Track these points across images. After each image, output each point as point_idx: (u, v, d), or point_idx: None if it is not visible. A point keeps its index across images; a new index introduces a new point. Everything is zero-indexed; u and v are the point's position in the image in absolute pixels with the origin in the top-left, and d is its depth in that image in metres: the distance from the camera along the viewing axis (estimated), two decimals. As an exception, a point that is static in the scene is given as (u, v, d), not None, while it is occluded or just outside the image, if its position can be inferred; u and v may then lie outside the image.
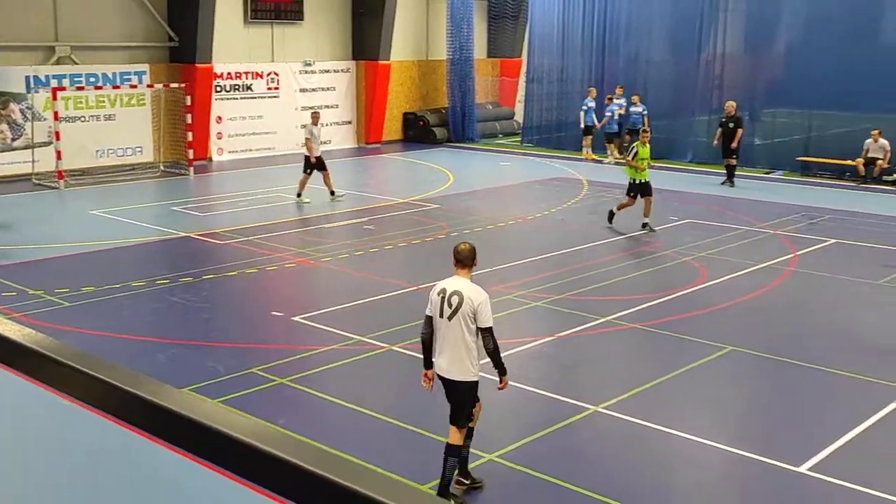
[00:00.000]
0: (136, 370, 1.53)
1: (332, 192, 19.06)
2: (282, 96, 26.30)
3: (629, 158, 16.52)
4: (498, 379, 6.93)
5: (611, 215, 16.67)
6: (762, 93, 24.86)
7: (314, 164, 18.67)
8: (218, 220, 17.35)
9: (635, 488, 7.17)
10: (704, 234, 16.28)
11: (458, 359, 6.72)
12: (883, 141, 21.73)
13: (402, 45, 28.81)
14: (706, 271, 13.65)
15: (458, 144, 28.76)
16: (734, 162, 21.54)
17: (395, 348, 10.12)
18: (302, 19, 26.38)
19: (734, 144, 21.52)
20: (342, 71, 27.86)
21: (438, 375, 6.87)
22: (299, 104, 26.82)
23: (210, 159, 24.56)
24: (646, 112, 25.43)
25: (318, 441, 7.67)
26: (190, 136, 22.58)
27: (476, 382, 6.84)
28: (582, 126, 25.83)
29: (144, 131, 22.73)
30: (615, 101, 25.39)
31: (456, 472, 6.91)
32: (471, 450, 7.13)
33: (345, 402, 8.67)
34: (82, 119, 21.94)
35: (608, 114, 25.20)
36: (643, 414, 8.42)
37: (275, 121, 26.16)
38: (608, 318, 11.32)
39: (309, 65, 26.85)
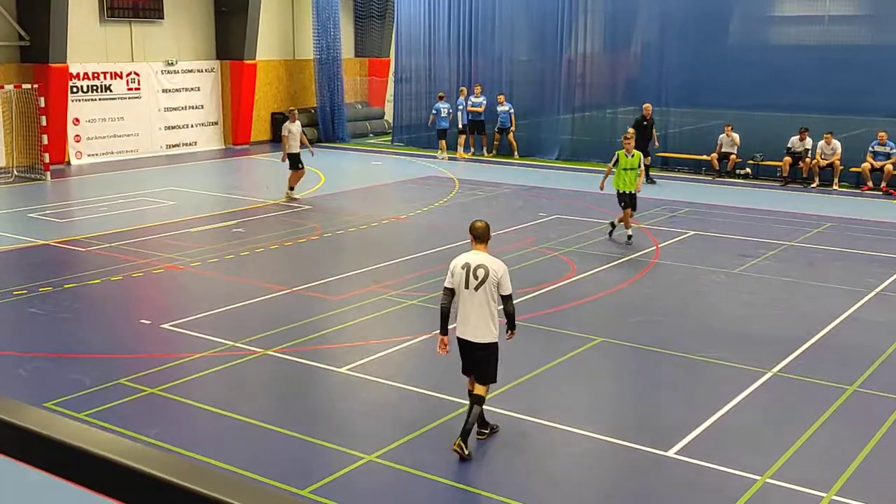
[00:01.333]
0: (-10, 389, 1.45)
1: (291, 189, 19.24)
2: (143, 97, 25.46)
3: (609, 166, 15.59)
4: (508, 333, 7.78)
5: (611, 229, 15.81)
6: (622, 91, 25.75)
7: (293, 159, 18.96)
8: (78, 226, 16.65)
9: (512, 480, 7.30)
10: (572, 228, 16.72)
11: (484, 324, 7.54)
12: (735, 135, 22.85)
13: (267, 45, 28.37)
14: (575, 265, 14.02)
15: (328, 144, 28.55)
16: (648, 161, 21.82)
17: (269, 352, 9.97)
18: (162, 17, 25.60)
19: (657, 144, 22.43)
20: (206, 70, 27.19)
21: (464, 340, 7.62)
22: (162, 105, 26.04)
23: (68, 163, 23.54)
24: (512, 111, 26.01)
25: (192, 451, 7.47)
26: (45, 139, 21.57)
27: (498, 342, 7.65)
28: (459, 125, 26.29)
29: (-5, 135, 21.54)
30: (473, 99, 26.04)
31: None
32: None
33: (219, 409, 8.47)
34: (-75, 122, 20.65)
35: (434, 112, 26.17)
36: (519, 407, 8.57)
37: (136, 123, 25.31)
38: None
39: (171, 64, 26.08)
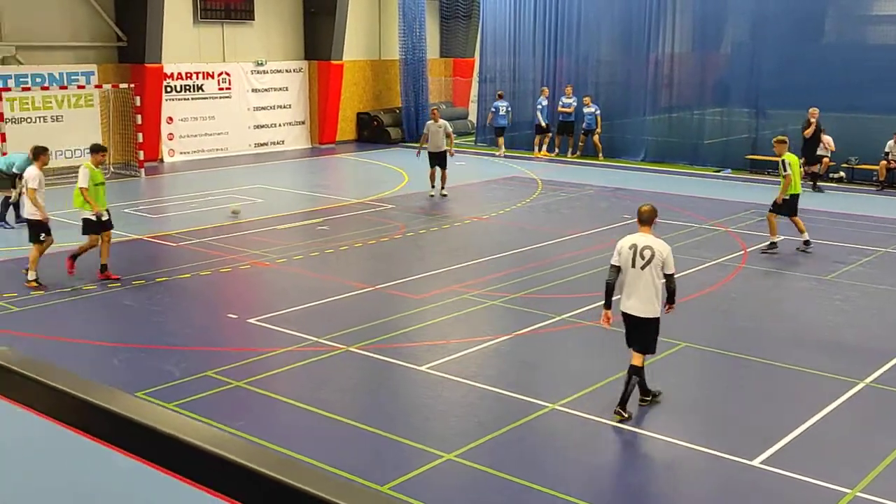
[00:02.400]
0: (88, 376, 1.50)
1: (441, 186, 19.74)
2: (234, 97, 26.06)
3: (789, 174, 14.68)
4: (667, 307, 8.39)
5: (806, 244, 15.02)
6: (710, 92, 25.24)
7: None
8: (170, 222, 17.13)
9: (593, 485, 7.23)
10: (659, 231, 16.43)
11: (648, 300, 8.16)
12: (828, 138, 22.09)
13: (354, 45, 28.72)
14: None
15: (412, 144, 28.71)
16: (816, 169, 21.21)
17: (352, 349, 10.08)
18: (253, 19, 26.17)
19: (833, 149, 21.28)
20: (294, 71, 27.68)
21: (628, 315, 8.26)
22: (252, 105, 26.60)
23: (161, 160, 24.24)
24: (598, 112, 25.79)
25: (276, 444, 7.61)
26: (140, 137, 22.27)
27: (659, 317, 8.27)
28: (543, 124, 26.25)
29: (93, 132, 22.32)
30: (564, 100, 26.04)
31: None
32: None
33: (302, 403, 8.62)
34: (28, 120, 21.52)
35: (492, 110, 26.70)
36: (599, 411, 8.48)
37: (227, 121, 25.92)
38: (563, 315, 11.39)
39: (261, 65, 26.63)
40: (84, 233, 12.76)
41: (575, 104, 26.11)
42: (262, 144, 27.01)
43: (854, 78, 22.15)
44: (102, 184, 12.83)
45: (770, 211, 15.08)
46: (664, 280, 8.26)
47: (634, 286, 8.20)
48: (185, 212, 18.01)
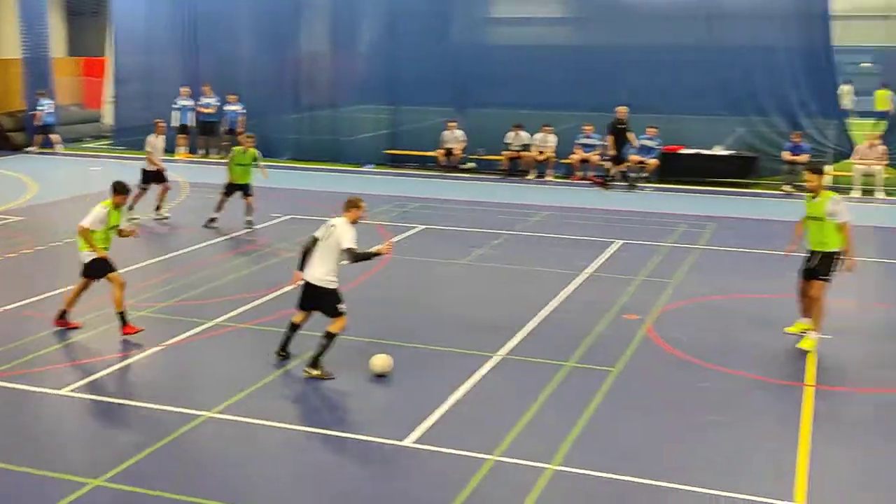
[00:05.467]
0: None
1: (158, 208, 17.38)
2: None
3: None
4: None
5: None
6: (350, 89, 26.06)
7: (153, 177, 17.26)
8: None
9: (250, 488, 7.19)
10: (307, 228, 16.67)
11: (323, 271, 9.43)
12: (458, 132, 23.88)
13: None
14: (310, 265, 14.01)
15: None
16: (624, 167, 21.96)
17: (-22, 380, 9.12)
18: None
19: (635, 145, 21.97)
20: None
21: (307, 282, 9.52)
22: None
23: None
24: (243, 111, 25.55)
25: None
26: None
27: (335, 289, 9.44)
28: (177, 125, 25.44)
29: None
30: (204, 99, 25.57)
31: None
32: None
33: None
34: None
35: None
36: (255, 413, 8.46)
37: None
38: (216, 320, 11.19)
39: None
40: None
41: (217, 103, 25.67)
42: None
43: (480, 75, 24.04)
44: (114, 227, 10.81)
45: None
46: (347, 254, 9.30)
47: (316, 257, 9.38)
48: None
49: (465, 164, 24.04)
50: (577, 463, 7.54)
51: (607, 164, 22.14)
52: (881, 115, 27.68)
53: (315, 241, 9.50)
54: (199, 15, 26.61)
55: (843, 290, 10.50)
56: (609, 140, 21.74)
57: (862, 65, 33.43)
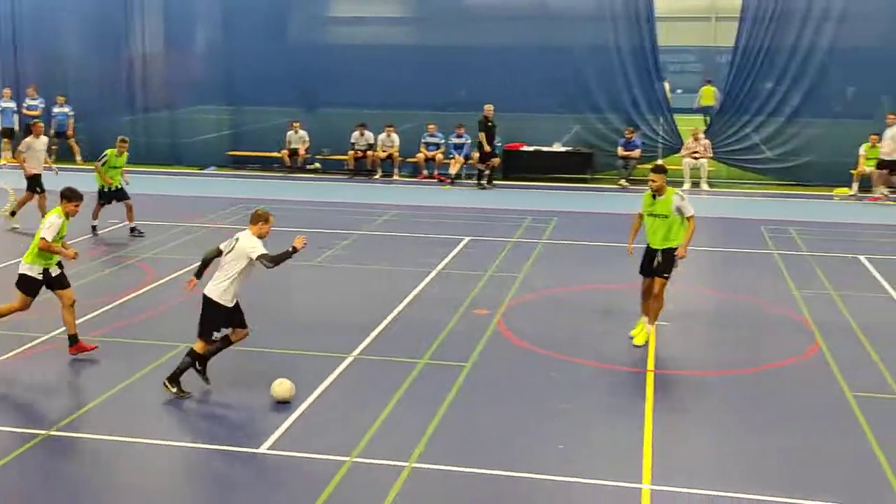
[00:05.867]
0: None
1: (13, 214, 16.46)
2: None
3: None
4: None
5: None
6: (188, 90, 25.31)
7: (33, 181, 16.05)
8: None
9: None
10: (147, 233, 16.13)
11: (215, 283, 9.04)
12: (303, 132, 23.64)
13: None
14: (153, 271, 13.56)
15: None
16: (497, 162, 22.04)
17: None
18: None
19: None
20: None
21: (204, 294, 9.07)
22: None
23: None
24: (72, 113, 24.38)
25: None
26: None
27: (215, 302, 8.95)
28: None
29: None
30: (29, 102, 24.37)
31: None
32: None
33: None
34: None
35: None
36: (100, 430, 8.10)
37: None
38: (50, 335, 10.63)
39: None
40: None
41: (43, 105, 24.37)
42: None
43: (321, 75, 23.87)
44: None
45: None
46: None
47: (217, 271, 9.04)
48: None
49: (310, 164, 23.82)
50: (434, 459, 7.62)
51: (478, 163, 22.29)
52: (705, 111, 29.27)
53: (218, 251, 9.09)
54: (19, 10, 25.15)
55: (676, 279, 11.06)
56: (481, 137, 22.01)
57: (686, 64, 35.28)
